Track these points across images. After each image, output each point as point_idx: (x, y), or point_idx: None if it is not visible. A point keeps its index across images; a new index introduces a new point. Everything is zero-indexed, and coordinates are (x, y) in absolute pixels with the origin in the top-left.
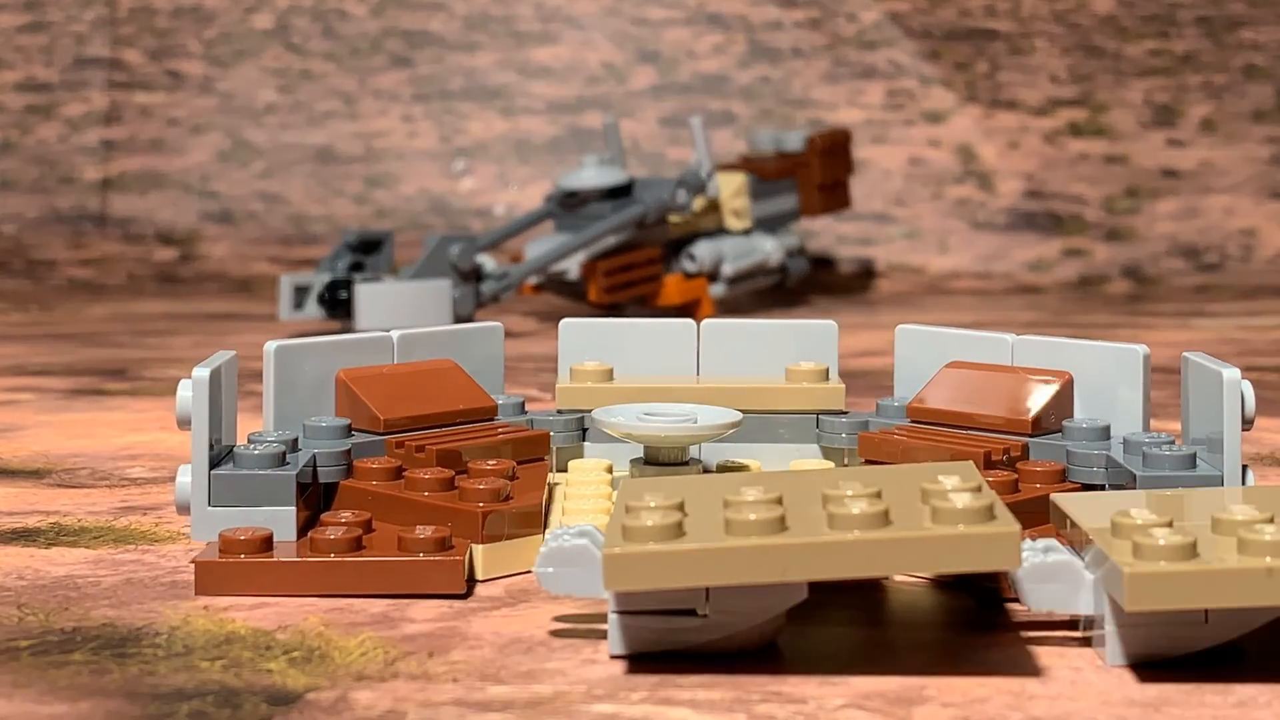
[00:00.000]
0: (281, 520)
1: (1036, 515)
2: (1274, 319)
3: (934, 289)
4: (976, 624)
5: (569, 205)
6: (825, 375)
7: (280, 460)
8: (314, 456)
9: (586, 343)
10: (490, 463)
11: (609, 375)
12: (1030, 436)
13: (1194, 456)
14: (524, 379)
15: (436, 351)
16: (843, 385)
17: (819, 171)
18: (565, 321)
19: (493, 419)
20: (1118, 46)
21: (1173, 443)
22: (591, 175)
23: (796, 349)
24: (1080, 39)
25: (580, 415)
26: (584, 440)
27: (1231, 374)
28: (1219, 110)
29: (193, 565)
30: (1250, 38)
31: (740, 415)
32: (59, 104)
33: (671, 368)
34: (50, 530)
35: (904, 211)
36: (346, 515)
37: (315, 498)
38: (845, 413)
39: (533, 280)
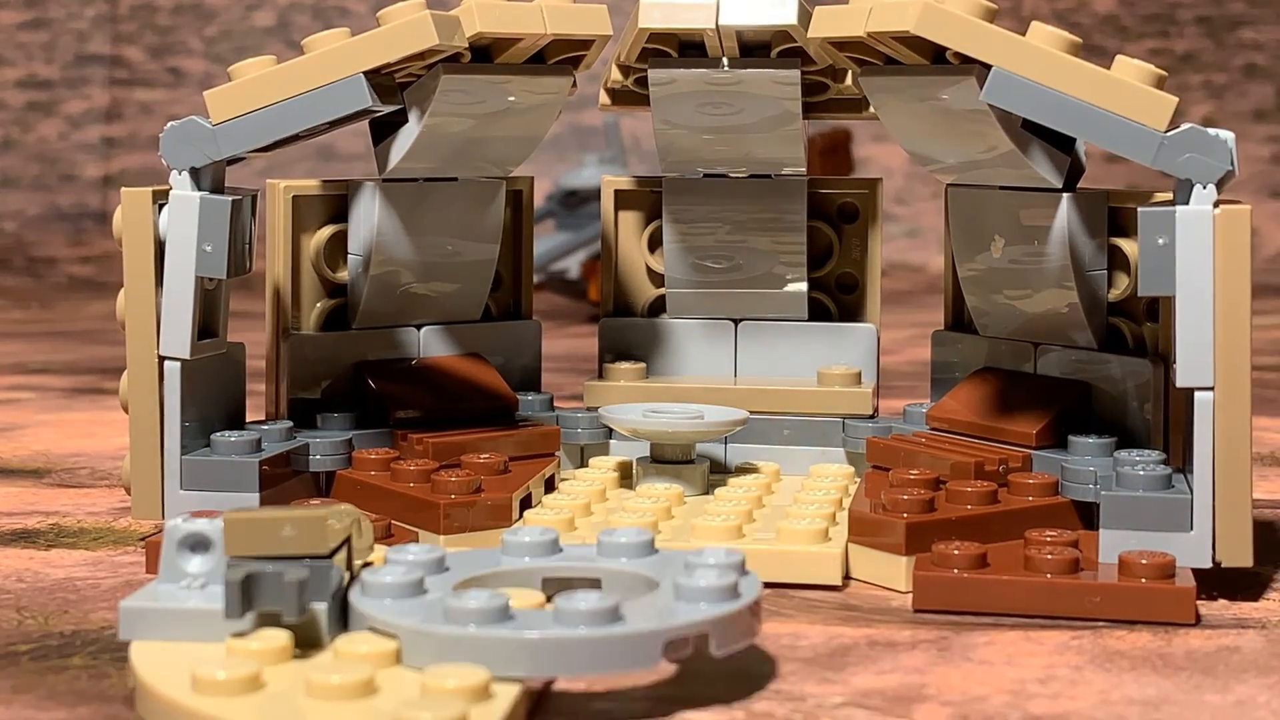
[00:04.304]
0: (246, 506)
1: (1015, 527)
2: (1274, 318)
3: (935, 288)
4: (976, 623)
5: (569, 204)
6: (857, 379)
7: (254, 448)
8: (306, 446)
9: (625, 341)
10: (483, 456)
11: (643, 374)
12: (1034, 449)
13: (1169, 477)
14: None
15: (471, 346)
16: (869, 389)
17: (820, 170)
18: (605, 320)
19: (513, 414)
20: (1118, 46)
21: (1164, 462)
22: (592, 174)
23: (834, 352)
24: (1081, 38)
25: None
26: (610, 438)
27: (1204, 395)
28: (1219, 110)
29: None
30: (1251, 37)
31: (746, 414)
32: (60, 101)
33: (709, 368)
34: (50, 532)
35: (905, 210)
36: (315, 504)
37: (314, 486)
38: (872, 416)
39: (533, 279)
